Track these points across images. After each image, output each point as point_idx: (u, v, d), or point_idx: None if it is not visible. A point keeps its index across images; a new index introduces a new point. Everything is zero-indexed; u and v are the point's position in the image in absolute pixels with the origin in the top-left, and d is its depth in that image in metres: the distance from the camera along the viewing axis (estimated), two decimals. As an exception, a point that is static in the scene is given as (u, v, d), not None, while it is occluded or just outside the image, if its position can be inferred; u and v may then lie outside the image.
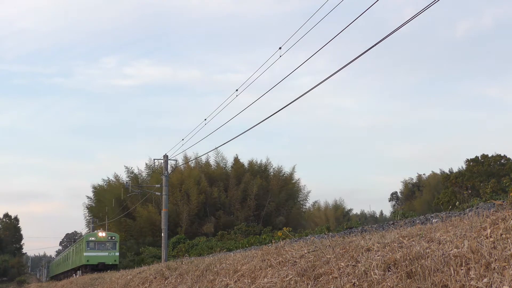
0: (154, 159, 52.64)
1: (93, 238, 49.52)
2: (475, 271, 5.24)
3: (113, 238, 49.94)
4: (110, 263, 47.64)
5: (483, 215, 6.68)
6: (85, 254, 48.72)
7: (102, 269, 44.08)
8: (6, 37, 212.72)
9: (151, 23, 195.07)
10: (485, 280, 5.05)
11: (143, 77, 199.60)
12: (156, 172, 63.98)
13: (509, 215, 6.22)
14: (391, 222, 10.12)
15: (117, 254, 49.44)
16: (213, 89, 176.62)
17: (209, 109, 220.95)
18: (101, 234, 49.99)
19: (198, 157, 70.03)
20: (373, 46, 13.91)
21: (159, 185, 39.20)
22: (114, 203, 61.91)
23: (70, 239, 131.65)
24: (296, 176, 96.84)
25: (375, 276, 6.17)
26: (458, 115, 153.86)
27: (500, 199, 8.96)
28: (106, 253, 48.78)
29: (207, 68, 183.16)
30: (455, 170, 67.26)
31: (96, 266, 47.36)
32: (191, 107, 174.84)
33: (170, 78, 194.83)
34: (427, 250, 6.09)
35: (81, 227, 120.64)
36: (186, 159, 68.45)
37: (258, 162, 73.77)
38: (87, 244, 49.34)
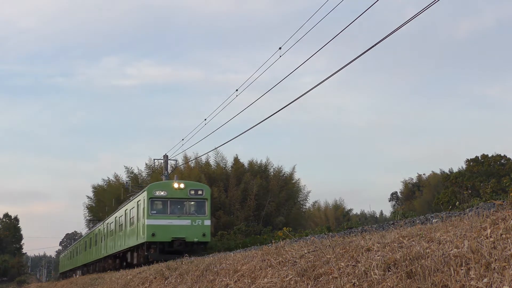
0: (154, 159, 52.37)
1: (163, 193, 28.19)
2: (475, 271, 5.23)
3: (201, 192, 28.55)
4: (196, 240, 27.48)
5: (483, 215, 6.68)
6: (147, 222, 27.42)
7: (181, 251, 25.64)
8: (7, 37, 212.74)
9: (152, 24, 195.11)
10: (485, 280, 5.05)
11: (144, 77, 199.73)
12: (156, 172, 63.91)
13: (509, 215, 6.22)
14: (391, 222, 10.11)
15: (208, 222, 28.29)
16: (213, 89, 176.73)
17: (209, 109, 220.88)
18: (178, 184, 28.29)
19: (198, 157, 69.85)
20: (373, 46, 13.90)
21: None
22: (114, 203, 61.88)
23: (70, 239, 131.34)
24: (296, 176, 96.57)
25: (375, 276, 6.17)
26: (458, 115, 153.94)
27: (500, 199, 8.96)
28: (188, 221, 27.84)
29: (207, 68, 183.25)
30: (455, 170, 67.25)
31: (169, 246, 27.31)
32: (191, 107, 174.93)
33: (170, 78, 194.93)
34: (427, 250, 6.09)
35: (81, 227, 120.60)
36: (186, 159, 68.40)
37: (258, 162, 73.68)
38: (151, 204, 27.85)
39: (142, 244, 28.02)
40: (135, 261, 29.49)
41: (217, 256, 13.52)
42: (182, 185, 28.24)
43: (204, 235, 27.58)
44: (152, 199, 27.88)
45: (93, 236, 45.78)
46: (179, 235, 27.29)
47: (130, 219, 31.04)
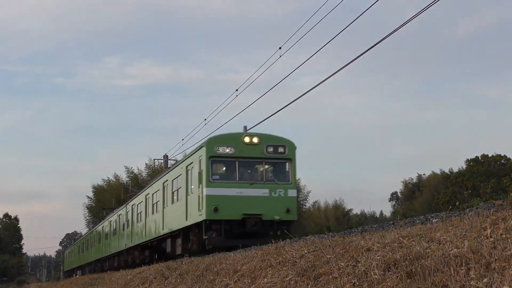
0: (154, 159, 52.25)
1: (228, 150, 20.04)
2: (475, 271, 5.23)
3: (282, 150, 20.51)
4: (277, 218, 19.64)
5: (483, 215, 6.68)
6: (206, 191, 19.58)
7: (255, 233, 19.29)
8: (8, 37, 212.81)
9: (153, 24, 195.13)
10: (485, 280, 5.05)
11: (145, 77, 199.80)
12: (156, 172, 63.92)
13: (509, 215, 6.22)
14: (391, 222, 10.10)
15: (293, 193, 20.53)
16: (213, 89, 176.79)
17: (209, 109, 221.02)
18: (250, 138, 20.23)
19: (198, 157, 69.68)
20: (373, 46, 13.89)
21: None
22: (114, 203, 61.89)
23: (70, 239, 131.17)
24: (296, 176, 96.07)
25: (375, 276, 6.17)
26: (458, 115, 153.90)
27: (500, 199, 8.96)
28: (266, 191, 20.00)
29: (208, 68, 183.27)
30: (455, 170, 67.25)
31: (239, 227, 19.59)
32: (191, 107, 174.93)
33: (171, 78, 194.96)
34: (427, 250, 6.09)
35: (81, 227, 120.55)
36: (186, 159, 68.18)
37: (258, 162, 73.54)
38: (210, 166, 19.94)
39: (198, 224, 19.76)
40: (179, 251, 22.00)
41: (217, 256, 13.53)
42: (256, 139, 19.90)
43: (288, 211, 19.58)
44: (213, 159, 19.54)
45: (110, 225, 38.55)
46: (253, 210, 19.24)
47: (173, 193, 23.32)
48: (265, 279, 8.39)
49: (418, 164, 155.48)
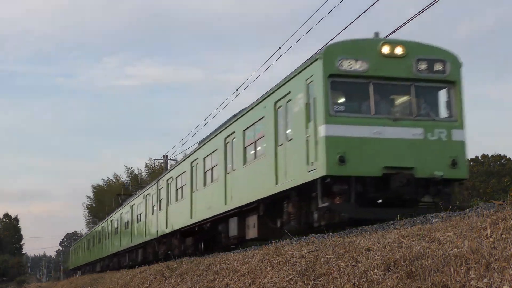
0: (154, 159, 52.26)
1: (358, 65, 12.87)
2: (475, 271, 5.23)
3: (441, 67, 13.24)
4: (439, 174, 12.60)
5: (483, 215, 6.68)
6: (326, 130, 12.33)
7: (406, 197, 12.55)
8: (9, 37, 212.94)
9: (152, 24, 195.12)
10: (485, 280, 5.05)
11: (145, 77, 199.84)
12: (156, 172, 63.89)
13: (509, 215, 6.22)
14: (391, 222, 10.07)
15: (461, 135, 13.13)
16: (214, 89, 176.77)
17: (209, 109, 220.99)
18: (390, 48, 12.98)
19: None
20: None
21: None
22: (114, 203, 61.89)
23: (70, 239, 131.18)
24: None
25: (375, 276, 6.17)
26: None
27: (500, 199, 8.95)
28: (419, 132, 12.86)
29: (208, 68, 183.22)
30: (455, 170, 66.99)
31: (379, 187, 12.55)
32: (191, 107, 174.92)
33: (171, 78, 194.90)
34: (427, 250, 6.09)
35: (81, 227, 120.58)
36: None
37: (259, 162, 73.46)
38: (330, 89, 12.57)
39: (303, 187, 13.39)
40: (252, 234, 16.16)
41: (217, 256, 13.53)
42: (400, 49, 13.18)
43: (454, 163, 12.91)
44: (334, 80, 12.90)
45: (132, 210, 31.82)
46: (400, 162, 12.73)
47: (245, 149, 16.88)
48: (265, 279, 8.39)
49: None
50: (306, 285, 7.19)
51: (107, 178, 76.99)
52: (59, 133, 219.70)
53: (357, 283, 6.32)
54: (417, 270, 5.71)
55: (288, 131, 14.22)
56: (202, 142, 21.28)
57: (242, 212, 16.92)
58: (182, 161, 24.01)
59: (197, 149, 21.65)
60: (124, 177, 73.63)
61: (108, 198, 67.82)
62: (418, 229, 7.30)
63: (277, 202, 14.83)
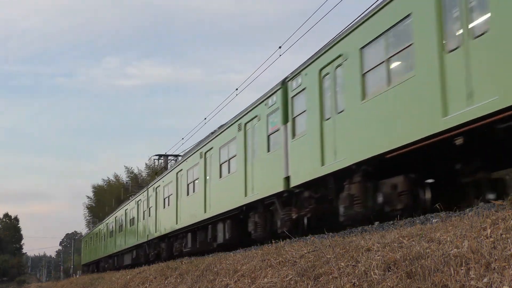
0: (154, 159, 52.19)
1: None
2: (475, 271, 5.23)
3: None
4: None
5: (483, 215, 6.68)
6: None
7: None
8: (9, 37, 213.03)
9: (153, 24, 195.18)
10: (485, 280, 5.05)
11: (145, 77, 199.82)
12: (156, 172, 63.93)
13: (509, 215, 6.22)
14: (391, 222, 10.07)
15: None
16: (214, 88, 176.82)
17: (209, 109, 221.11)
18: None
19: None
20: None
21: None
22: (114, 203, 61.89)
23: (70, 239, 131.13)
24: None
25: (375, 276, 6.17)
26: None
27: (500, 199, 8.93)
28: None
29: (208, 67, 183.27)
30: (455, 170, 67.22)
31: None
32: (191, 107, 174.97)
33: (171, 78, 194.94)
34: (427, 250, 6.09)
35: (81, 227, 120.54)
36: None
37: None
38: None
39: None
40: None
41: (217, 256, 13.53)
42: None
43: None
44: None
45: (181, 176, 22.47)
46: None
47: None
48: (265, 279, 8.39)
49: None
50: (306, 285, 7.19)
51: (107, 178, 77.07)
52: (59, 133, 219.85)
53: (357, 283, 6.32)
54: (417, 270, 5.72)
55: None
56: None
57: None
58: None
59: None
60: (124, 177, 73.67)
61: (108, 198, 67.83)
62: (418, 229, 7.30)
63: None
